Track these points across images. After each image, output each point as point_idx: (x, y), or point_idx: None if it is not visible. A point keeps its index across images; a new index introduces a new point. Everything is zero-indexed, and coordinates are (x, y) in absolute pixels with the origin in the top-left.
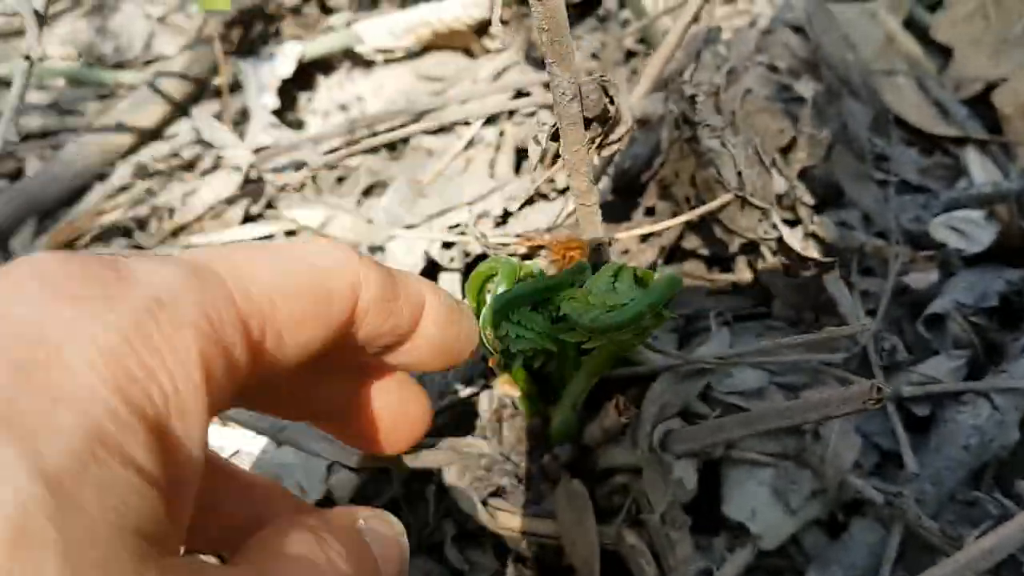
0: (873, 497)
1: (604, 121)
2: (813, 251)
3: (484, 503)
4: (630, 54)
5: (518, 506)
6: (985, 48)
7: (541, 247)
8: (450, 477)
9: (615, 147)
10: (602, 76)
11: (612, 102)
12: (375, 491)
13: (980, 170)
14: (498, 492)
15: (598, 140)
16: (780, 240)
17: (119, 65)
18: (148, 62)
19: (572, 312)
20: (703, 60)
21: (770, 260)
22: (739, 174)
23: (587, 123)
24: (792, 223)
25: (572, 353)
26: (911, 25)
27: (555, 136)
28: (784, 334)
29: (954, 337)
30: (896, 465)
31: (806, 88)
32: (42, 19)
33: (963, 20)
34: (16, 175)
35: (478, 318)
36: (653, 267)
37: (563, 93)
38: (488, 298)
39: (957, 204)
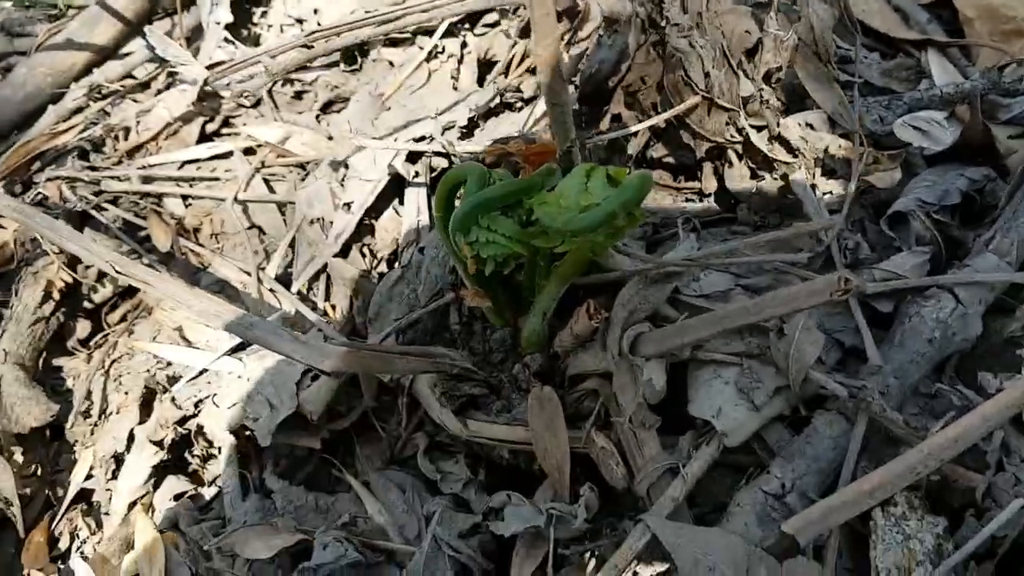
0: (836, 391)
1: (573, 16)
2: (779, 154)
3: (456, 413)
4: None
5: (489, 415)
6: None
7: (510, 154)
8: (421, 387)
9: (584, 44)
10: None
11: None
12: (347, 404)
13: (941, 72)
14: (469, 402)
15: (567, 36)
16: (747, 143)
17: None
18: None
19: (545, 215)
20: None
21: (736, 165)
22: (707, 75)
23: (558, 17)
24: (758, 128)
25: (543, 260)
26: None
27: (525, 31)
28: (752, 238)
29: (917, 234)
30: (858, 360)
31: None
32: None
33: None
34: None
35: (447, 227)
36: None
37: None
38: (457, 206)
39: (920, 105)
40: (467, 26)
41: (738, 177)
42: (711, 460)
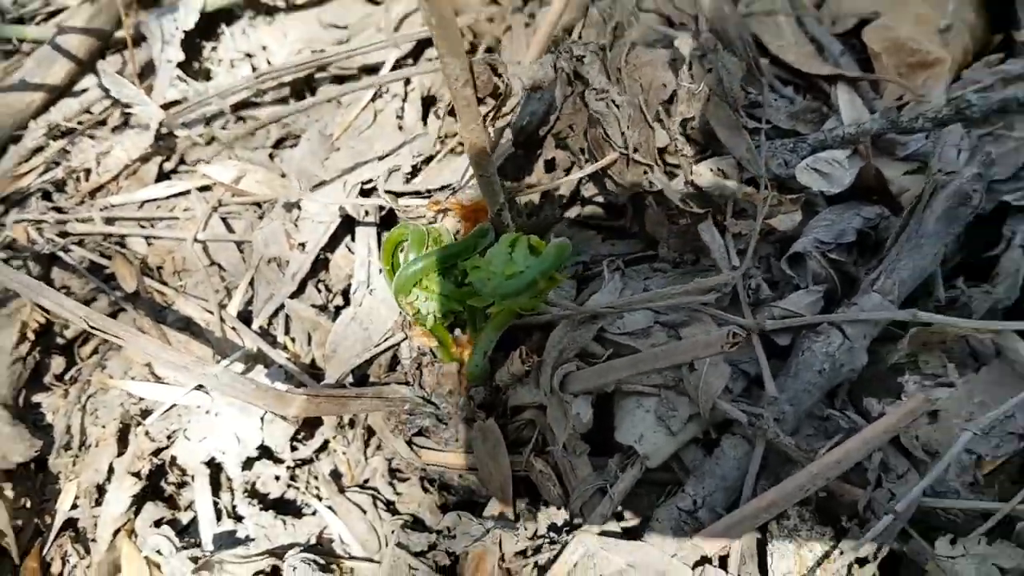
0: (739, 418)
1: (496, 96)
2: (692, 201)
3: (409, 443)
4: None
5: (440, 443)
6: None
7: (448, 210)
8: (376, 420)
9: (507, 118)
10: (490, 56)
11: (501, 78)
12: (308, 435)
13: (849, 106)
14: (421, 432)
15: (491, 114)
16: (661, 193)
17: (20, 20)
18: (50, 14)
19: (476, 280)
20: (591, 15)
21: (655, 210)
22: (623, 134)
23: (480, 100)
24: (673, 172)
25: (480, 310)
26: None
27: (452, 112)
28: (668, 275)
29: (813, 273)
30: (762, 387)
31: (684, 44)
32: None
33: None
34: None
35: (392, 282)
36: (548, 228)
37: (456, 79)
38: (401, 261)
39: (824, 145)
40: (410, 61)
41: (656, 221)
42: (635, 480)
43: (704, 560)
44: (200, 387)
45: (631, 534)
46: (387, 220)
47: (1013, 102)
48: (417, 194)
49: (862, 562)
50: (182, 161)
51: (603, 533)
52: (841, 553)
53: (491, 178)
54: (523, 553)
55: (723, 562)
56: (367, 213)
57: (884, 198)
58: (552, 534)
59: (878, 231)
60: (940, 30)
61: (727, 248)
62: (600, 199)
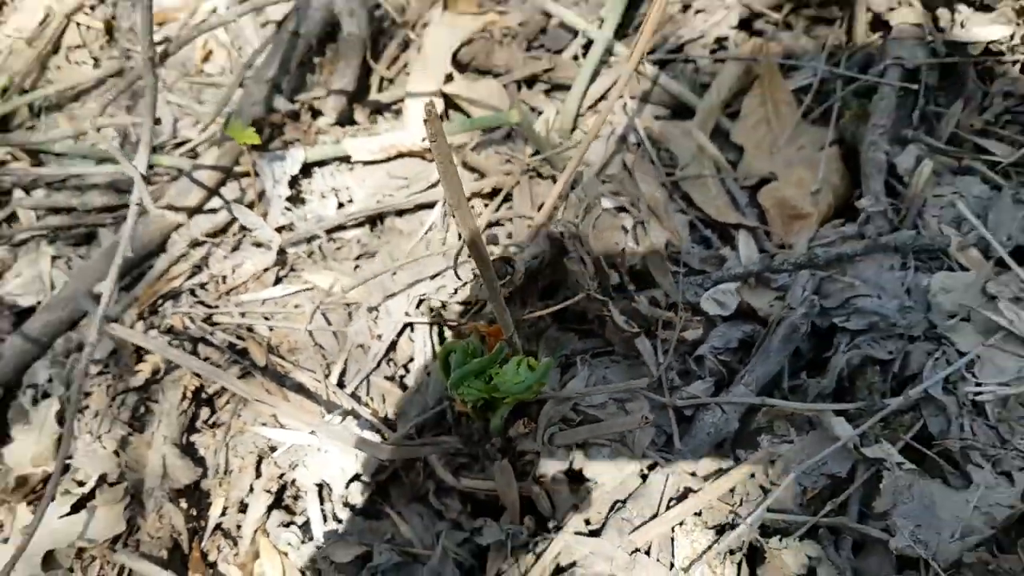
0: (660, 462)
1: (508, 274)
2: (633, 321)
3: (452, 473)
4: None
5: (472, 474)
6: (765, 149)
7: (477, 331)
8: (432, 457)
9: (515, 284)
10: (507, 255)
11: (512, 266)
12: (385, 468)
13: (746, 249)
14: (460, 467)
15: (505, 284)
16: (612, 318)
17: (153, 149)
18: (177, 144)
19: (499, 383)
20: (571, 199)
21: (610, 325)
22: (588, 281)
23: (500, 277)
24: (621, 299)
25: (500, 398)
26: (718, 130)
27: (482, 284)
28: (620, 364)
29: (709, 369)
30: (674, 443)
31: (629, 218)
32: (147, 179)
33: (752, 126)
34: (87, 241)
35: (446, 375)
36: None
37: (487, 279)
38: (451, 365)
39: (722, 280)
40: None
41: (611, 331)
42: (596, 500)
43: (636, 550)
44: (312, 432)
45: (593, 533)
46: (436, 321)
47: (845, 256)
48: (456, 304)
49: (733, 552)
50: (292, 270)
51: (576, 533)
52: (719, 544)
53: (506, 319)
54: (525, 546)
55: (648, 551)
56: (423, 316)
57: (756, 319)
58: (544, 533)
59: (753, 340)
60: (812, 192)
61: (656, 352)
62: (576, 312)
